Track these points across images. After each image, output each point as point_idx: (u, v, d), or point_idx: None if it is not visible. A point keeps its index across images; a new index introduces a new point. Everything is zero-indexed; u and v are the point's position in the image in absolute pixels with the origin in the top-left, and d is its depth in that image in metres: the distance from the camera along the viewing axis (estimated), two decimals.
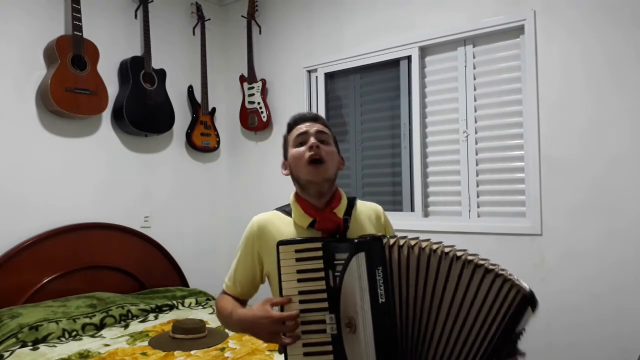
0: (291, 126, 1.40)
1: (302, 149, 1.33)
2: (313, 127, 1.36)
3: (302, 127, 1.36)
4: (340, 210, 1.35)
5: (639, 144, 2.13)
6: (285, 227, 1.35)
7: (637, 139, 2.13)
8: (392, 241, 1.17)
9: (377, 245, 1.15)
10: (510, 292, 1.11)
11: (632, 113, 2.14)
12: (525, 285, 1.13)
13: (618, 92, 2.18)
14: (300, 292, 1.17)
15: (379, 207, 1.49)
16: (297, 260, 1.18)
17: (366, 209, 1.45)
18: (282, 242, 1.21)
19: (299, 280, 1.18)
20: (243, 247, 1.40)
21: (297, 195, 1.39)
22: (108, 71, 2.93)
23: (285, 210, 1.39)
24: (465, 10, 2.60)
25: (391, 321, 1.12)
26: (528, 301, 1.11)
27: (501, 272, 1.13)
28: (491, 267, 1.13)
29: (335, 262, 1.16)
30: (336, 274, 1.15)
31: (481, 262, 1.13)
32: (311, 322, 1.16)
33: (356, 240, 1.16)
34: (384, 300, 1.12)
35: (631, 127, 2.15)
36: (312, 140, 1.32)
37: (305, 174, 1.33)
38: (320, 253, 1.17)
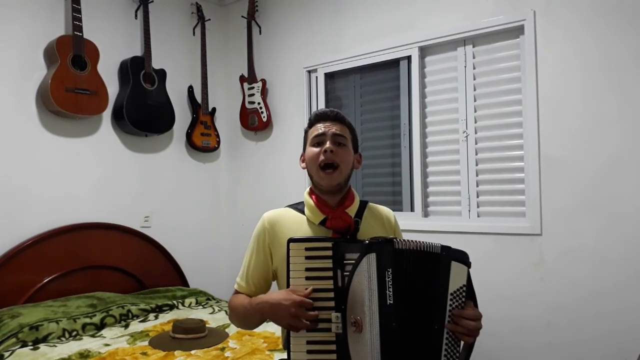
0: (312, 122, 1.40)
1: (317, 150, 1.34)
2: (331, 129, 1.35)
3: (321, 127, 1.37)
4: (352, 210, 1.36)
5: (638, 143, 2.14)
6: (297, 223, 1.36)
7: (636, 139, 2.14)
8: (402, 244, 1.18)
9: (388, 247, 1.16)
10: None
11: (630, 112, 2.15)
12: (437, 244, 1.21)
13: (617, 92, 2.18)
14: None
15: (390, 211, 1.51)
16: (307, 258, 1.20)
17: (377, 212, 1.47)
18: (292, 240, 1.22)
19: (307, 278, 1.19)
20: (255, 244, 1.41)
21: (311, 191, 1.41)
22: (108, 71, 2.92)
23: (297, 207, 1.41)
24: (465, 11, 2.61)
25: (397, 323, 1.13)
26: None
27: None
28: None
29: (345, 261, 1.17)
30: (345, 273, 1.16)
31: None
32: (316, 320, 1.17)
33: (368, 241, 1.18)
34: (392, 301, 1.13)
35: (629, 126, 2.15)
36: (328, 144, 1.33)
37: (317, 178, 1.35)
38: (330, 252, 1.18)
